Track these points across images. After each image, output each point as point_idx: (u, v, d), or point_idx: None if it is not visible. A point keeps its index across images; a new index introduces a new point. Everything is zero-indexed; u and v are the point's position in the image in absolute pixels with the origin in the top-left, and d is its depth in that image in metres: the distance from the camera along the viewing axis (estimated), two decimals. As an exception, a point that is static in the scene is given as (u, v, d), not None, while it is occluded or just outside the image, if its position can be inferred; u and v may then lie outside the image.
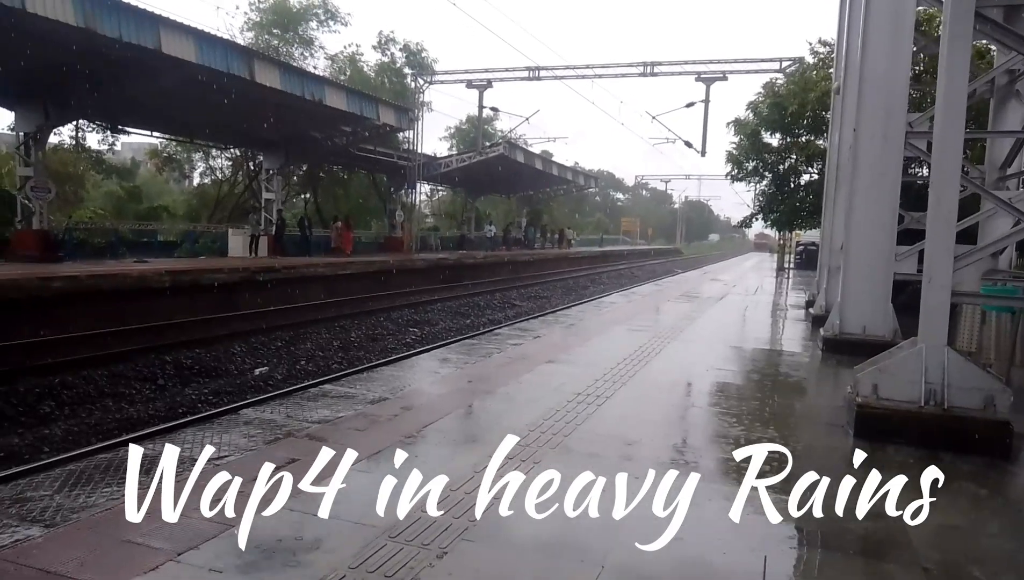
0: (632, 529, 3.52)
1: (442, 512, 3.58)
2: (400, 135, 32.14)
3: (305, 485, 3.87)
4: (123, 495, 3.68)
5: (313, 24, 34.64)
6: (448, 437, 4.98)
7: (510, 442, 4.76)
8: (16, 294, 12.54)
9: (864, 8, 9.03)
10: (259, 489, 3.80)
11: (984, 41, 11.85)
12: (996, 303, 7.48)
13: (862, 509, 3.93)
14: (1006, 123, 11.24)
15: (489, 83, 31.64)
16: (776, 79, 23.94)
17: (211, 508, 3.53)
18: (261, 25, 33.45)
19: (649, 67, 28.73)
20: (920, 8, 11.58)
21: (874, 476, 4.54)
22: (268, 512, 3.52)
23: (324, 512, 3.56)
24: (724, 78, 27.88)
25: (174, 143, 32.13)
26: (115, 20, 14.37)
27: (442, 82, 33.12)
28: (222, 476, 3.98)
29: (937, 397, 5.09)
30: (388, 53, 38.39)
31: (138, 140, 37.38)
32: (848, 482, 4.46)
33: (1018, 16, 11.11)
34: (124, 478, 3.95)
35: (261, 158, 27.67)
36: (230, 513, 3.49)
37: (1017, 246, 12.55)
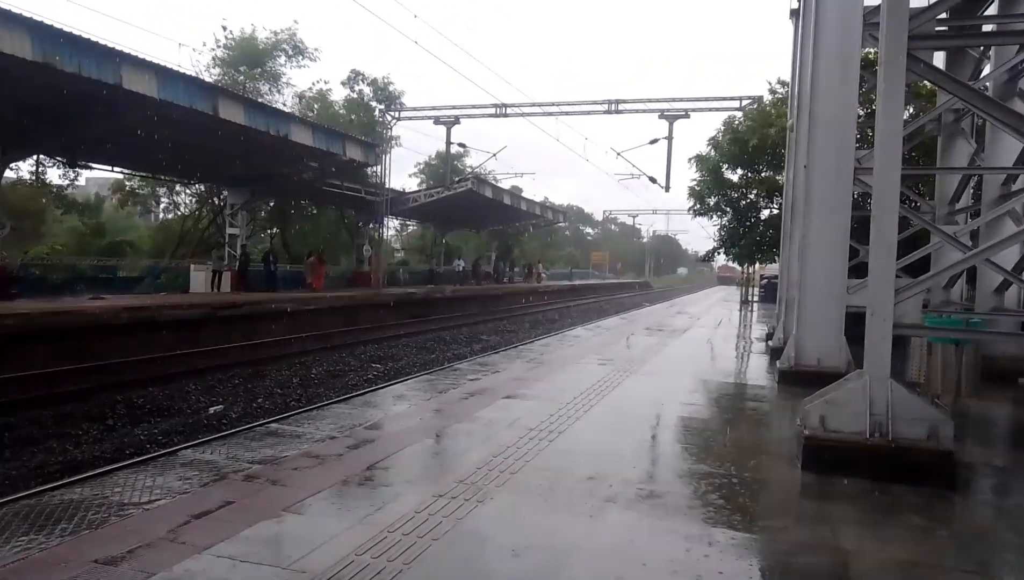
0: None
1: (374, 557, 3.47)
2: (369, 170, 32.19)
3: (236, 528, 3.73)
4: (40, 544, 3.51)
5: (281, 60, 34.76)
6: (393, 476, 4.87)
7: (455, 479, 4.67)
8: (-38, 333, 12.14)
9: (813, 49, 9.32)
10: (187, 534, 3.66)
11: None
12: (939, 334, 7.61)
13: (808, 542, 3.90)
14: (953, 159, 11.61)
15: (456, 119, 31.97)
16: (735, 117, 24.54)
17: (135, 556, 3.37)
18: (227, 62, 33.45)
19: (614, 105, 29.28)
20: (868, 50, 12.00)
21: (820, 509, 4.54)
22: (195, 558, 3.38)
23: (253, 557, 3.42)
24: (687, 115, 28.52)
25: (138, 178, 31.78)
26: (74, 56, 14.23)
27: (410, 118, 33.42)
28: (149, 521, 3.83)
29: (883, 428, 5.12)
30: (357, 89, 38.64)
31: (103, 175, 36.88)
32: (794, 515, 4.45)
33: (962, 59, 11.60)
34: (44, 527, 3.77)
35: (226, 194, 27.45)
36: (156, 561, 3.34)
37: (967, 278, 12.89)
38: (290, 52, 34.67)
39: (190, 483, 4.54)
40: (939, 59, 11.45)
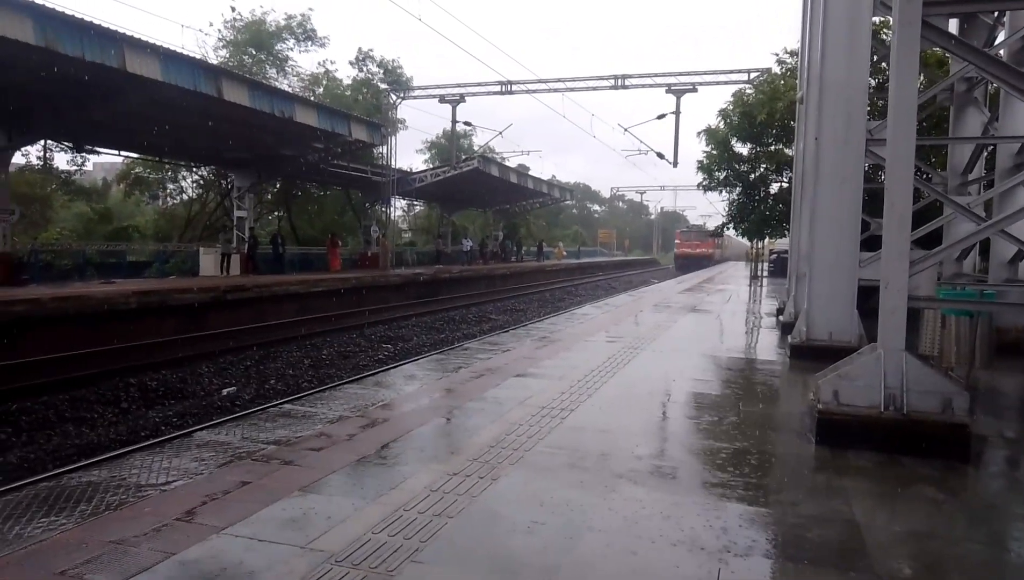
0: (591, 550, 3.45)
1: (391, 535, 3.49)
2: (375, 150, 32.08)
3: (252, 509, 3.76)
4: (60, 526, 3.55)
5: (290, 43, 34.56)
6: (406, 455, 4.89)
7: (468, 458, 4.69)
8: (-25, 319, 12.23)
9: (823, 17, 9.16)
10: (204, 515, 3.69)
11: (936, 49, 12.07)
12: (953, 306, 7.55)
13: (821, 515, 3.91)
14: (966, 129, 11.45)
15: (462, 98, 31.70)
16: (745, 89, 24.24)
17: (153, 537, 3.41)
18: (235, 44, 33.28)
19: (620, 80, 28.96)
20: (878, 19, 11.79)
21: (834, 482, 4.54)
22: (213, 539, 3.41)
23: (271, 536, 3.45)
24: (694, 90, 28.18)
25: (144, 164, 31.79)
26: (77, 40, 14.17)
27: (416, 97, 33.15)
28: (167, 502, 3.87)
29: (896, 402, 5.09)
30: (365, 69, 38.41)
31: (110, 160, 36.95)
32: (807, 488, 4.45)
33: (975, 24, 11.38)
34: (63, 508, 3.81)
35: (232, 177, 27.44)
36: (173, 541, 3.37)
37: (980, 250, 12.77)
38: (300, 37, 34.46)
39: (206, 464, 4.57)
40: (952, 26, 11.24)
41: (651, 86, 29.00)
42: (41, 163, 29.98)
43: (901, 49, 5.20)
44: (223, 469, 4.48)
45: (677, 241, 67.83)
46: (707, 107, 52.91)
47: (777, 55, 22.01)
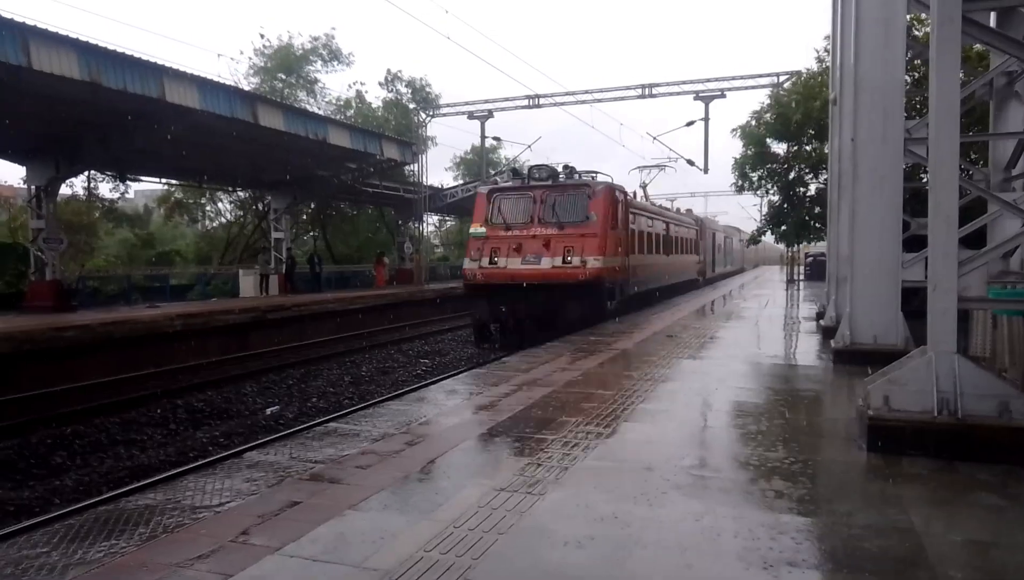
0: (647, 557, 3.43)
1: (442, 553, 3.51)
2: (406, 168, 32.46)
3: (305, 528, 3.82)
4: (121, 549, 3.65)
5: (317, 64, 35.24)
6: (452, 472, 4.91)
7: (513, 472, 4.70)
8: (30, 346, 12.64)
9: (855, 15, 9.05)
10: (258, 536, 3.75)
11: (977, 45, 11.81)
12: (1005, 307, 7.34)
13: (877, 525, 3.82)
14: (1007, 124, 11.14)
15: (490, 113, 31.90)
16: (780, 90, 23.94)
17: (210, 558, 3.48)
18: (266, 70, 34.06)
19: (647, 89, 28.86)
20: (912, 15, 11.59)
21: (889, 490, 4.44)
22: (268, 560, 3.47)
23: (325, 556, 3.50)
24: (723, 95, 27.92)
25: (183, 189, 32.60)
26: (119, 72, 14.64)
27: (444, 114, 33.49)
28: (222, 523, 3.94)
29: (950, 406, 4.97)
30: (394, 89, 38.94)
31: (151, 186, 37.92)
32: (861, 497, 4.36)
33: (1013, 17, 11.11)
34: (123, 531, 3.91)
35: (269, 198, 27.99)
36: (230, 562, 3.44)
37: (1028, 246, 12.38)
38: (326, 57, 35.14)
39: (257, 485, 4.65)
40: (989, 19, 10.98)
41: (679, 93, 28.82)
42: (86, 192, 30.97)
43: (941, 46, 5.11)
44: (273, 489, 4.55)
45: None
46: (736, 112, 52.16)
47: (818, 51, 21.74)
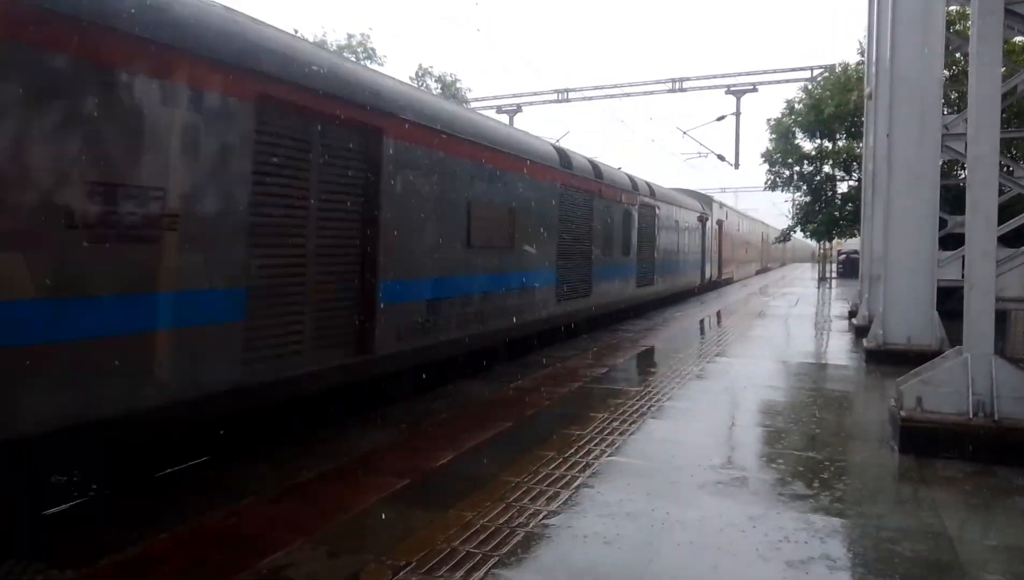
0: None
1: (470, 550, 3.53)
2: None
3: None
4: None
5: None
6: (471, 468, 4.93)
7: (540, 467, 4.71)
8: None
9: (892, 9, 8.87)
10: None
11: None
12: (1046, 307, 7.15)
13: (909, 529, 3.75)
14: (1050, 119, 10.88)
15: (519, 108, 31.90)
16: (812, 82, 23.57)
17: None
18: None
19: (678, 83, 28.57)
20: (952, 8, 11.33)
21: (922, 493, 4.36)
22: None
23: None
24: (754, 90, 27.53)
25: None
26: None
27: (473, 109, 33.55)
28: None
29: (986, 408, 4.87)
30: (424, 84, 39.07)
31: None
32: (893, 500, 4.29)
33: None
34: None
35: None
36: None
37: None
38: (361, 56, 35.39)
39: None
40: None
41: (710, 88, 28.49)
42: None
43: (982, 40, 5.00)
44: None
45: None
46: (768, 107, 51.66)
47: (861, 42, 21.38)
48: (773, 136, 22.61)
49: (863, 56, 21.27)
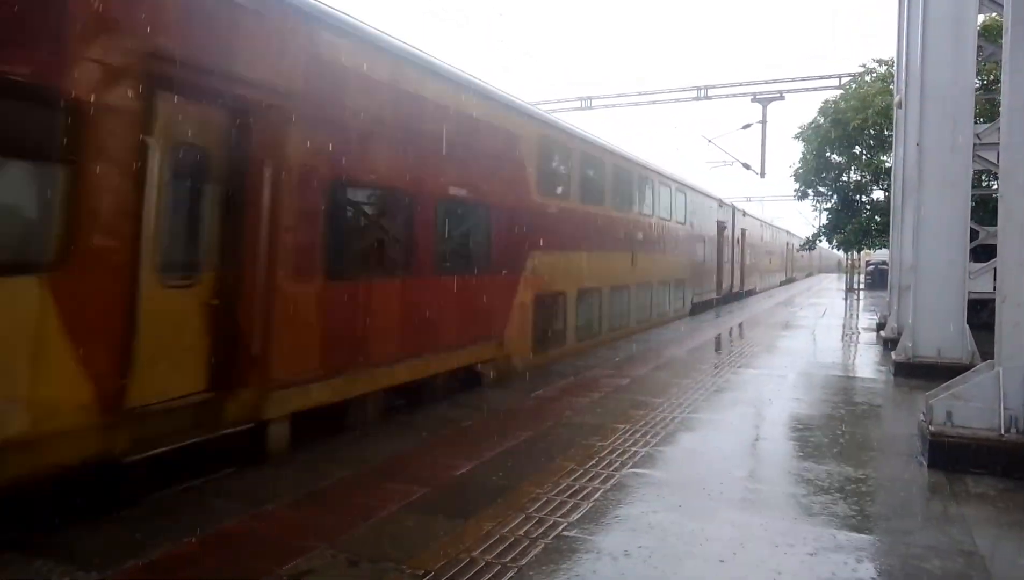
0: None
1: (486, 559, 3.51)
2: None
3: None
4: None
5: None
6: (490, 478, 4.91)
7: (559, 479, 4.68)
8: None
9: (922, 15, 8.74)
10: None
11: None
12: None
13: (939, 546, 3.67)
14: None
15: (542, 115, 31.97)
16: (833, 98, 23.40)
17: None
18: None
19: (703, 91, 28.40)
20: (983, 16, 11.14)
21: (952, 509, 4.26)
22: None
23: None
24: (781, 97, 27.27)
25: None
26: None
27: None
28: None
29: (1019, 424, 4.75)
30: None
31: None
32: (922, 516, 4.20)
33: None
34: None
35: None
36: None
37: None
38: None
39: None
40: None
41: (735, 96, 28.28)
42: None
43: (1015, 46, 4.91)
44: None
45: None
46: (795, 115, 51.18)
47: (864, 65, 21.41)
48: (802, 152, 22.51)
49: (870, 75, 21.14)
